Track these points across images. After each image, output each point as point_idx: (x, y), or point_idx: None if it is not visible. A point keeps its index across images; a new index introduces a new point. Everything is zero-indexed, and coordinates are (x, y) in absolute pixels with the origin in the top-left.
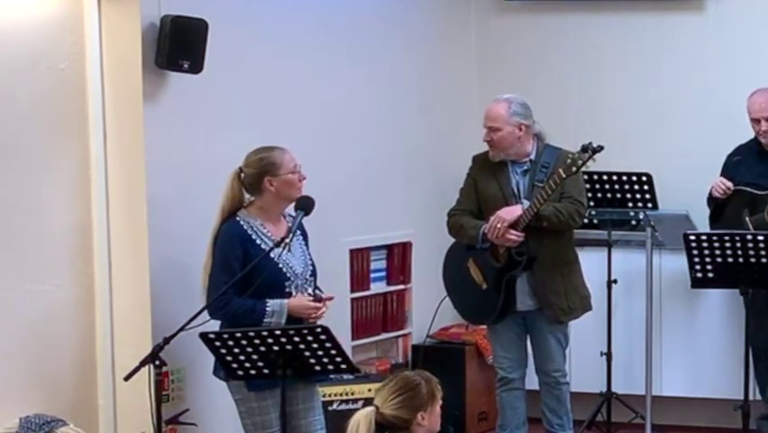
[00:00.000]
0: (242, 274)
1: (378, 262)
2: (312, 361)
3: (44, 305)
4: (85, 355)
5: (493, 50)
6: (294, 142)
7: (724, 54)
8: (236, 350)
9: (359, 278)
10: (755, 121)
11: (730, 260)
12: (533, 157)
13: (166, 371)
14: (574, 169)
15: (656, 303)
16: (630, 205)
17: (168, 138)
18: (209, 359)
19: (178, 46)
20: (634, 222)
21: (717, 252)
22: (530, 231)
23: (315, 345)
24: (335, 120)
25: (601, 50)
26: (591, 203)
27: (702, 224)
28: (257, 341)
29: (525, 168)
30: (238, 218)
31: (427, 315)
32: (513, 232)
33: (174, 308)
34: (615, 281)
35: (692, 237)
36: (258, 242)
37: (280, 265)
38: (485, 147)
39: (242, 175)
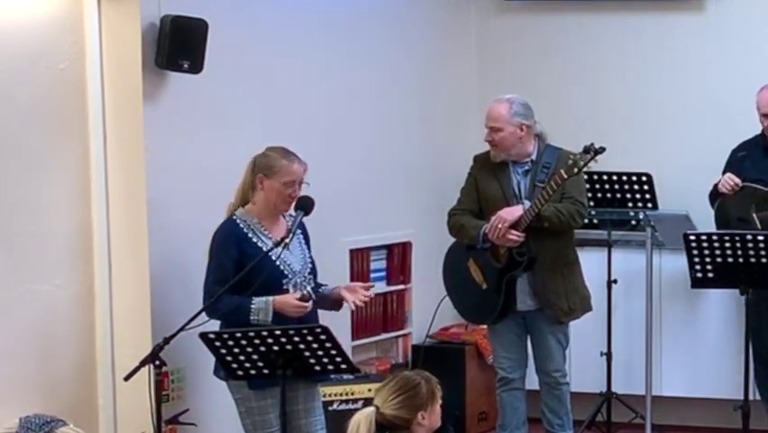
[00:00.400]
0: (240, 276)
1: (378, 262)
2: (312, 361)
3: (44, 305)
4: (85, 355)
5: (493, 50)
6: (294, 142)
7: (724, 54)
8: (236, 350)
9: (359, 278)
10: (765, 116)
11: (730, 260)
12: (534, 157)
13: (166, 371)
14: (576, 170)
15: (656, 303)
16: (630, 205)
17: (168, 138)
18: (209, 359)
19: (178, 46)
20: (634, 222)
21: (717, 252)
22: (531, 231)
23: (315, 345)
24: (335, 120)
25: (601, 50)
26: (591, 203)
27: (702, 224)
28: (257, 341)
29: (527, 168)
30: (235, 217)
31: (427, 315)
32: (514, 232)
33: (174, 308)
34: (615, 281)
35: (692, 237)
36: (254, 240)
37: (278, 264)
38: (485, 147)
39: (255, 164)
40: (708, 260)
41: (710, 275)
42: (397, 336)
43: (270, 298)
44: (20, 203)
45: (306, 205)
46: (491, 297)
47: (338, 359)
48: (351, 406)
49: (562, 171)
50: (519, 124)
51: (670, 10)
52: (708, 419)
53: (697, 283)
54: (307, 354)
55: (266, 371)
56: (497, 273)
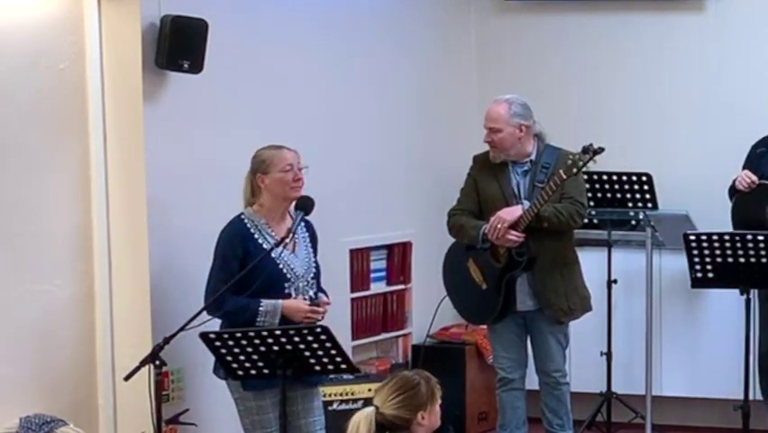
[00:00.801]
0: (240, 275)
1: (378, 262)
2: (312, 361)
3: (44, 305)
4: (85, 355)
5: (493, 50)
6: (294, 142)
7: (724, 54)
8: (236, 350)
9: (359, 278)
10: None
11: (730, 260)
12: (533, 157)
13: (166, 371)
14: (575, 170)
15: (656, 303)
16: (630, 205)
17: (168, 138)
18: (209, 359)
19: (178, 46)
20: (634, 222)
21: (717, 252)
22: (530, 231)
23: (315, 345)
24: (335, 120)
25: (601, 50)
26: (591, 203)
27: (702, 224)
28: (257, 341)
29: (526, 168)
30: (242, 216)
31: (427, 315)
32: (513, 232)
33: (174, 308)
34: (615, 281)
35: (692, 237)
36: (260, 240)
37: (281, 266)
38: (485, 147)
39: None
40: (708, 260)
41: (710, 275)
42: (397, 336)
43: (280, 301)
44: (20, 203)
45: (306, 205)
46: (491, 297)
47: (338, 359)
48: (351, 406)
49: (561, 172)
50: (518, 124)
51: (670, 10)
52: (708, 419)
53: (697, 283)
54: (307, 354)
55: (266, 371)
56: (496, 273)
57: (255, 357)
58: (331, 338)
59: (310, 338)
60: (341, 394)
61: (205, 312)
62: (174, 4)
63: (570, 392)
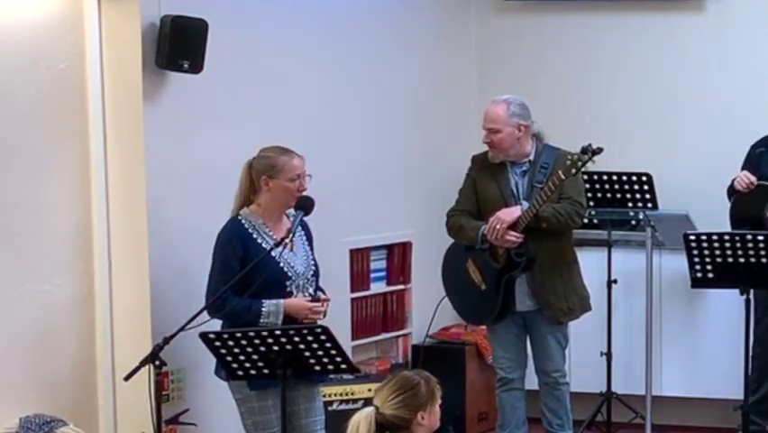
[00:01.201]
0: (241, 274)
1: (378, 262)
2: (312, 361)
3: (44, 305)
4: (85, 355)
5: (493, 50)
6: (294, 142)
7: (724, 54)
8: (236, 350)
9: (359, 278)
10: None
11: (730, 260)
12: (532, 158)
13: (166, 371)
14: (574, 170)
15: (656, 303)
16: (630, 205)
17: (168, 138)
18: (209, 359)
19: (178, 46)
20: (634, 222)
21: (717, 252)
22: (529, 232)
23: (315, 345)
24: (335, 120)
25: (601, 50)
26: (591, 203)
27: (702, 224)
28: (257, 341)
29: (524, 168)
30: (240, 217)
31: (427, 315)
32: (512, 233)
33: (174, 308)
34: (615, 281)
35: (692, 237)
36: (259, 240)
37: (282, 265)
38: (485, 147)
39: (252, 167)
40: (708, 260)
41: (710, 275)
42: (397, 336)
43: (282, 301)
44: (20, 203)
45: (306, 205)
46: (490, 297)
47: (338, 359)
48: (351, 406)
49: (560, 172)
50: (517, 124)
51: (670, 10)
52: (708, 419)
53: (697, 283)
54: (307, 354)
55: (266, 371)
56: (495, 274)
57: (255, 357)
58: (331, 338)
59: (310, 338)
60: (341, 394)
61: (206, 313)
62: (174, 4)
63: (569, 392)
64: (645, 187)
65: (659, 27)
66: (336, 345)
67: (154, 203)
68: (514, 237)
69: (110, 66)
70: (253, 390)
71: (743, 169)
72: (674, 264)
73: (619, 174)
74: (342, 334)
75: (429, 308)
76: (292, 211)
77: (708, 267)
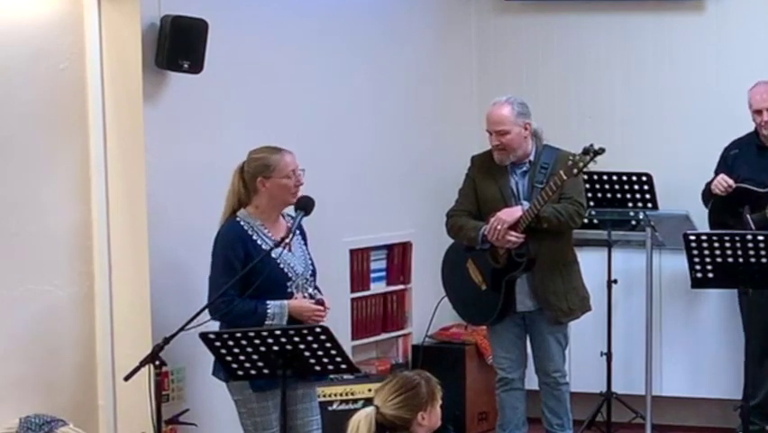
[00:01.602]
0: (240, 275)
1: (378, 262)
2: (312, 361)
3: (44, 305)
4: (85, 355)
5: (493, 50)
6: (294, 142)
7: (724, 54)
8: (236, 350)
9: (359, 278)
10: (757, 112)
11: (730, 260)
12: (532, 158)
13: (166, 371)
14: (575, 171)
15: (656, 303)
16: (630, 205)
17: (168, 138)
18: (209, 359)
19: (178, 46)
20: (634, 222)
21: (717, 252)
22: (530, 232)
23: (315, 346)
24: (335, 120)
25: (601, 50)
26: (591, 203)
27: (702, 224)
28: (257, 341)
29: (525, 169)
30: (238, 218)
31: (427, 315)
32: (513, 233)
33: (174, 308)
34: (615, 281)
35: (692, 237)
36: (258, 242)
37: (281, 265)
38: (484, 148)
39: (244, 171)
40: (708, 260)
41: (710, 275)
42: (397, 336)
43: (286, 301)
44: (20, 203)
45: (306, 205)
46: (491, 298)
47: (338, 359)
48: (351, 406)
49: (562, 173)
50: (524, 123)
51: (670, 10)
52: (709, 419)
53: (697, 283)
54: (307, 354)
55: (266, 371)
56: (496, 274)
57: (255, 357)
58: (331, 338)
59: (310, 338)
60: (341, 394)
61: (208, 314)
62: (174, 4)
63: (569, 392)
64: (645, 187)
65: (659, 27)
66: (336, 346)
67: (154, 203)
68: (515, 237)
69: (110, 66)
70: (255, 391)
71: (716, 172)
72: (674, 264)
73: (619, 174)
74: (342, 334)
75: (429, 308)
76: (291, 212)
77: (708, 267)
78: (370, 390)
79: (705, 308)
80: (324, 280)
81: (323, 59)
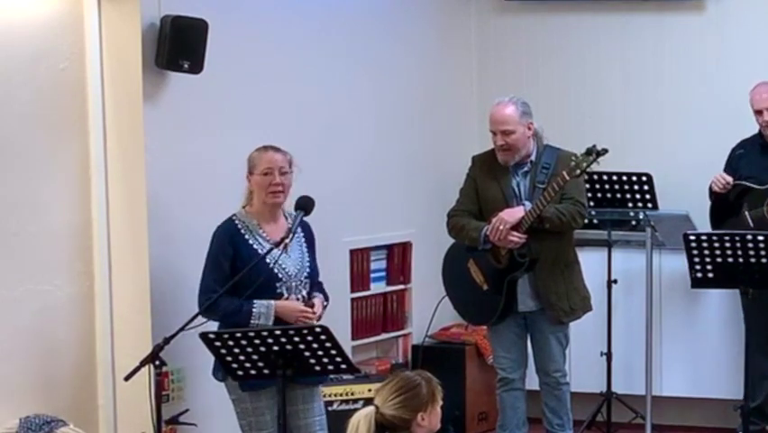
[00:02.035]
0: (237, 277)
1: (378, 263)
2: (312, 361)
3: (44, 305)
4: (85, 355)
5: (493, 50)
6: (294, 142)
7: (724, 54)
8: (236, 350)
9: (359, 278)
10: (758, 113)
11: (730, 260)
12: (533, 158)
13: (166, 371)
14: (578, 171)
15: (656, 303)
16: (630, 205)
17: (168, 138)
18: (209, 359)
19: (178, 46)
20: (634, 222)
21: (717, 252)
22: (531, 232)
23: (315, 345)
24: (335, 120)
25: (601, 50)
26: (591, 203)
27: (702, 224)
28: (257, 341)
29: (526, 169)
30: (234, 217)
31: (427, 315)
32: (515, 234)
33: (174, 308)
34: (615, 281)
35: (692, 237)
36: (251, 242)
37: (272, 266)
38: (485, 148)
39: None
40: (708, 260)
41: (710, 275)
42: (397, 336)
43: (273, 302)
44: (20, 203)
45: (306, 205)
46: (492, 298)
47: (338, 359)
48: (351, 406)
49: (565, 173)
50: (527, 123)
51: (670, 10)
52: (708, 419)
53: (697, 283)
54: (307, 354)
55: (266, 371)
56: (498, 274)
57: (255, 357)
58: (331, 338)
59: (310, 338)
60: (341, 394)
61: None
62: (174, 4)
63: (570, 392)
64: (645, 187)
65: (659, 27)
66: (336, 346)
67: (154, 203)
68: (517, 238)
69: (110, 66)
70: (245, 391)
71: (724, 171)
72: (674, 264)
73: (619, 174)
74: (342, 334)
75: (429, 308)
76: (292, 211)
77: (708, 267)
78: (370, 390)
79: (705, 308)
80: (325, 280)
81: (323, 60)
